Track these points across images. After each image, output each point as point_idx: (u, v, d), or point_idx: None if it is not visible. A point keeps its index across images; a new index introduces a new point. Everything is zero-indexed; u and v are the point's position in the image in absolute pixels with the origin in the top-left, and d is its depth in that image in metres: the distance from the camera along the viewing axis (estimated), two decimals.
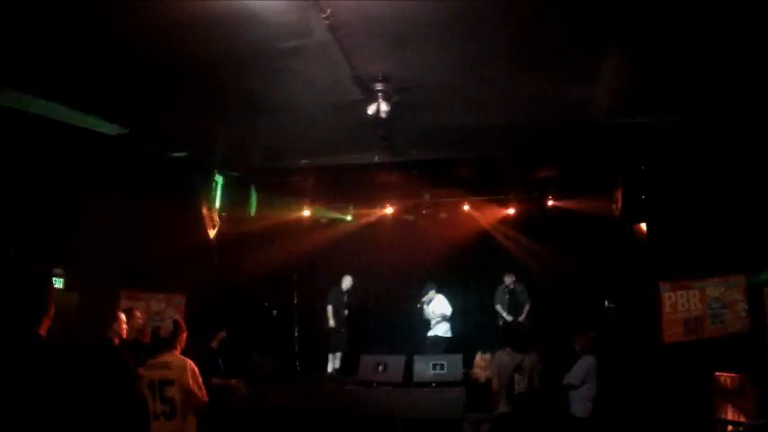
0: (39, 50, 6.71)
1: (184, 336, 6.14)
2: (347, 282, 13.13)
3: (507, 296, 12.98)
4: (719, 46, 6.92)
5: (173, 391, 5.63)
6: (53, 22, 6.16)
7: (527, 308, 12.73)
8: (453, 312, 13.19)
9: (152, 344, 6.54)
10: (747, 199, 9.50)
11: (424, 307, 13.05)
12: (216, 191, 12.52)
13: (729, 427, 8.65)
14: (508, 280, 13.01)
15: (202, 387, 5.83)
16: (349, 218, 14.49)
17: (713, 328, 10.40)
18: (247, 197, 13.52)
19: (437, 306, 12.95)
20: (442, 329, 12.91)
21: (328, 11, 6.02)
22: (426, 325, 13.18)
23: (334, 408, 10.48)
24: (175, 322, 6.10)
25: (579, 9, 6.24)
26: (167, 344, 5.94)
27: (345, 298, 13.04)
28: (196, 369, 5.85)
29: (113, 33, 6.44)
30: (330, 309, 12.78)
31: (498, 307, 13.04)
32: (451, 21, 6.40)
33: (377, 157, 11.05)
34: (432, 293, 13.04)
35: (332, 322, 12.72)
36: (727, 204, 9.73)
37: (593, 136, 9.93)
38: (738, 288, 10.32)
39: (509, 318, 12.76)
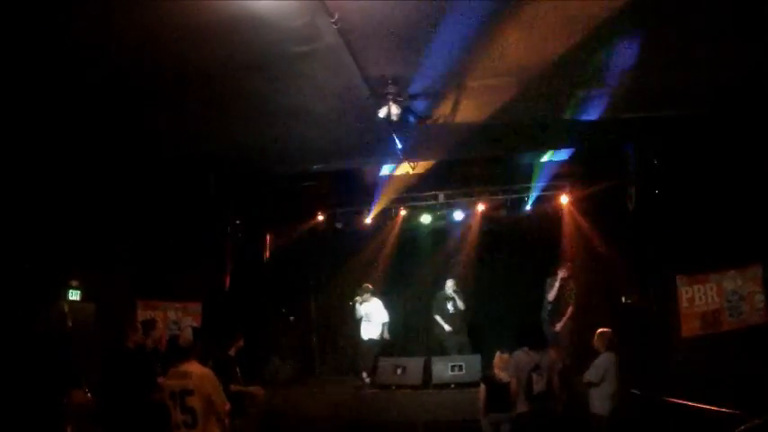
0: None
1: (203, 344, 6.12)
2: (450, 285, 12.97)
3: (553, 288, 11.90)
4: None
5: (193, 401, 5.59)
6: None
7: (569, 311, 11.62)
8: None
9: (171, 353, 6.54)
10: (761, 188, 9.42)
11: (357, 306, 12.70)
12: (231, 197, 12.56)
13: None
14: (559, 272, 11.90)
15: (223, 395, 5.80)
16: (368, 221, 14.33)
17: (731, 321, 10.31)
18: (262, 204, 13.55)
19: (372, 309, 12.72)
20: (375, 332, 12.60)
21: (337, 15, 6.04)
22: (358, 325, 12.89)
23: (354, 412, 10.49)
24: (195, 331, 6.04)
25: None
26: (187, 353, 5.89)
27: (452, 301, 12.82)
28: (215, 377, 5.83)
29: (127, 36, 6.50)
30: (437, 317, 12.73)
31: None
32: (458, 22, 6.40)
33: (389, 160, 11.06)
34: (367, 296, 12.68)
35: (447, 327, 12.62)
36: (741, 195, 9.64)
37: (606, 130, 9.89)
38: (755, 279, 10.19)
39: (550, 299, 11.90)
